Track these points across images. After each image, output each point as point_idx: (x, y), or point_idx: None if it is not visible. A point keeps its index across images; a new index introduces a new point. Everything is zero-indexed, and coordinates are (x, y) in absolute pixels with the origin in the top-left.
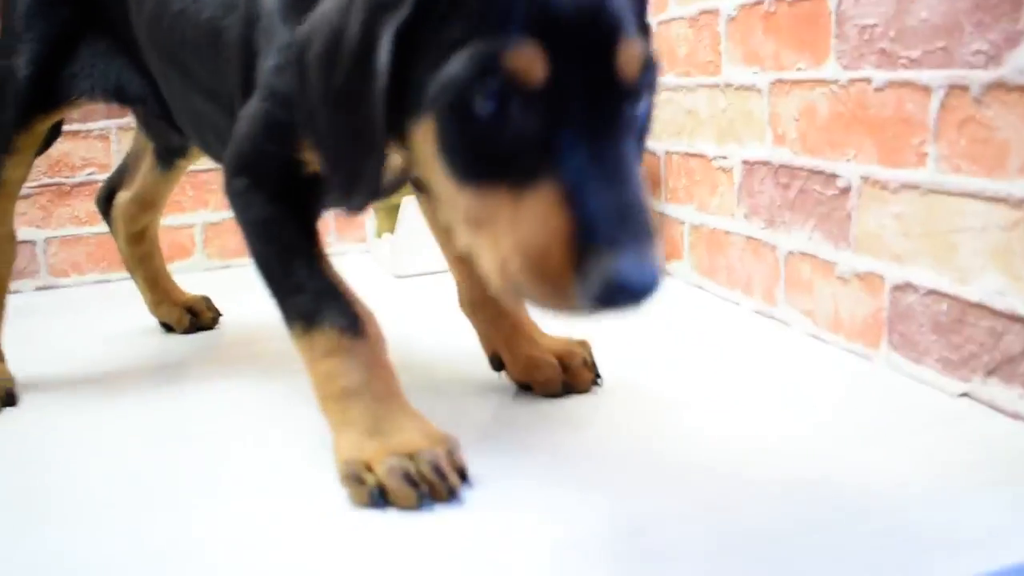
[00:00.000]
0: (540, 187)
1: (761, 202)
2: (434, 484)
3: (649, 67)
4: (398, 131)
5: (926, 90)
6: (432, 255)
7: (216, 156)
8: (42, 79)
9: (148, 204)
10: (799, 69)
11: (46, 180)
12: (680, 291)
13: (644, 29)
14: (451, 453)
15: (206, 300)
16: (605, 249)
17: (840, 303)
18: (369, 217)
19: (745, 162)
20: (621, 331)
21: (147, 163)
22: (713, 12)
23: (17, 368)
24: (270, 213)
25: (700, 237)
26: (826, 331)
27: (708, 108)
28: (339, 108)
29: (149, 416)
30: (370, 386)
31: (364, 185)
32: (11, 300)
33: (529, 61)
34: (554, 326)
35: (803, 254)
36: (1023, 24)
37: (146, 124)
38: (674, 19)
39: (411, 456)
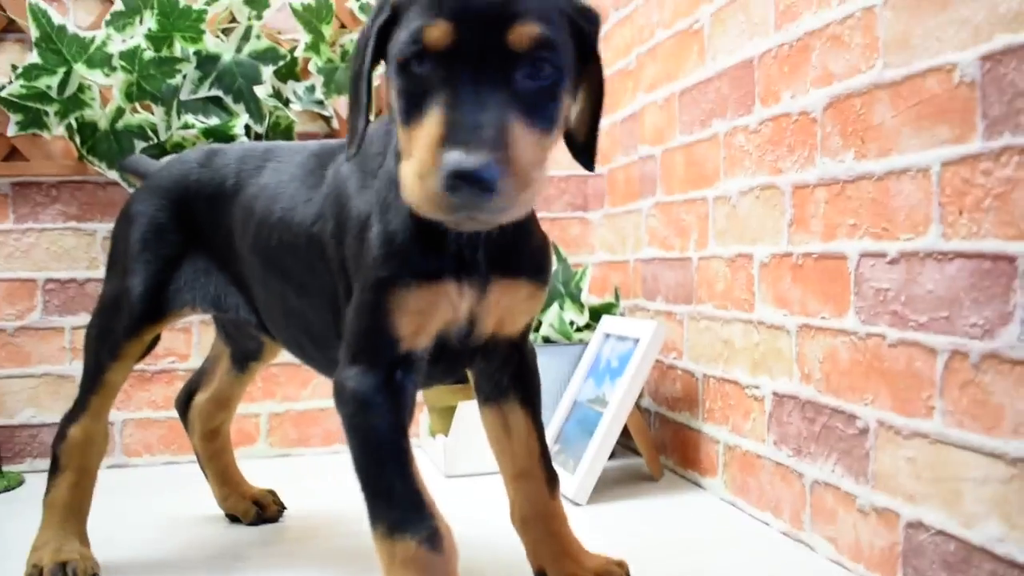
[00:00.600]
0: (431, 113)
1: (789, 432)
2: None
3: (544, 46)
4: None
5: (932, 351)
6: (482, 457)
7: (301, 351)
8: (152, 296)
9: (223, 404)
10: (823, 318)
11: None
12: (714, 507)
13: (580, 51)
14: None
15: (272, 494)
16: (448, 148)
17: (860, 533)
18: (424, 416)
19: (775, 393)
20: (655, 545)
21: (223, 366)
22: (748, 256)
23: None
24: (376, 413)
25: (734, 457)
26: (847, 559)
27: (742, 340)
28: (352, 85)
29: None
30: None
31: (355, 134)
32: None
33: (439, 33)
34: (593, 548)
35: (827, 484)
36: (1012, 306)
37: (225, 332)
38: (714, 256)
39: None
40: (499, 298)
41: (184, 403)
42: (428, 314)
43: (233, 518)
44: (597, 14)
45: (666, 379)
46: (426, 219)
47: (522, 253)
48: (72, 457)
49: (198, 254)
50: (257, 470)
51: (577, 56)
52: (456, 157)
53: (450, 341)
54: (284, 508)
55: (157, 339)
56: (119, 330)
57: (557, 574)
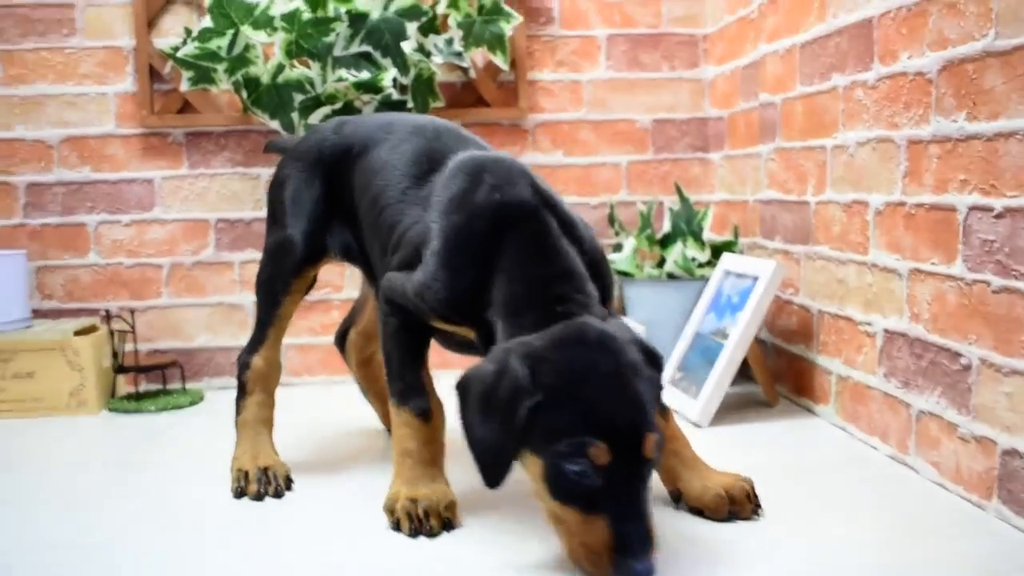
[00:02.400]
0: (598, 516)
1: (898, 365)
2: (421, 523)
3: (660, 445)
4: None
5: None
6: None
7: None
8: (309, 239)
9: (373, 336)
10: (933, 263)
11: None
12: (825, 431)
13: (662, 407)
14: (444, 507)
15: None
16: (628, 557)
17: (961, 459)
18: None
19: (886, 330)
20: (772, 465)
21: (370, 305)
22: (863, 203)
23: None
24: (400, 329)
25: (846, 387)
26: (948, 481)
27: (856, 280)
28: (486, 431)
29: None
30: (420, 453)
31: (494, 475)
32: None
33: (602, 456)
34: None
35: (931, 414)
36: None
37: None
38: (830, 202)
39: (415, 501)
40: None
41: (341, 338)
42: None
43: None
44: (659, 356)
45: (783, 314)
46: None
47: None
48: (256, 382)
49: (334, 209)
50: None
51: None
52: (633, 568)
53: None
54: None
55: (315, 279)
56: (287, 270)
57: (689, 489)
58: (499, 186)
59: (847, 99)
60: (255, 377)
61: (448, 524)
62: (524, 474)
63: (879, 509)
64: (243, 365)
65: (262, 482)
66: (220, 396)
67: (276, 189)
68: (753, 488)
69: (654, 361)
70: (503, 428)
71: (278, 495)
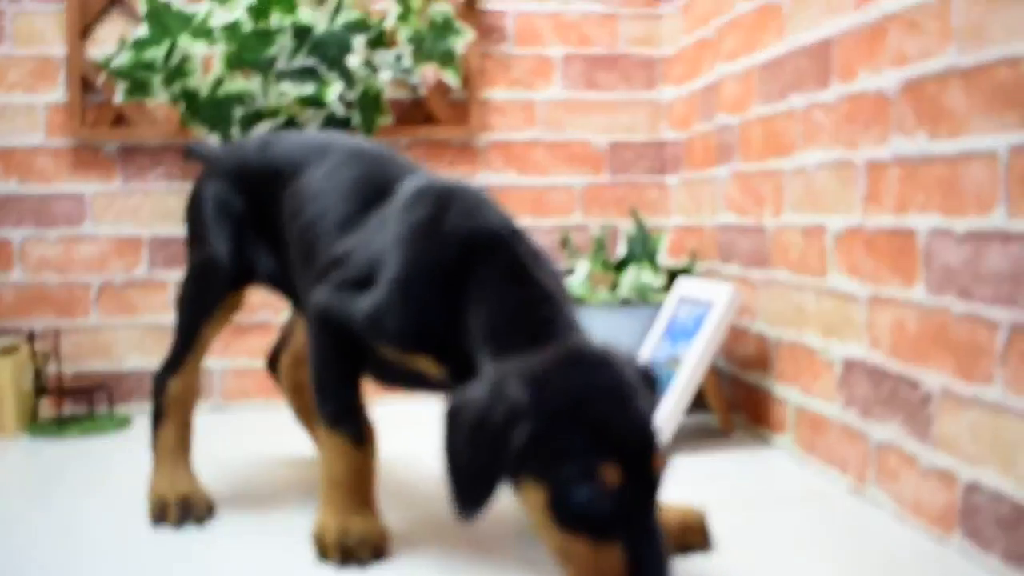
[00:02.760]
0: (611, 543)
1: (857, 394)
2: (351, 552)
3: (667, 464)
4: (510, 480)
5: (995, 324)
6: None
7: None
8: (234, 260)
9: (305, 360)
10: (893, 288)
11: None
12: (782, 463)
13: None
14: (376, 539)
15: None
16: None
17: (921, 492)
18: None
19: (845, 358)
20: (732, 497)
21: (300, 328)
22: (822, 227)
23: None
24: (334, 347)
25: (803, 417)
26: (909, 515)
27: (815, 306)
28: (475, 458)
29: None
30: (351, 481)
31: (472, 503)
32: None
33: (614, 475)
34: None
35: (891, 445)
36: None
37: (297, 309)
38: (789, 225)
39: (346, 533)
40: None
41: (272, 362)
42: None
43: None
44: (655, 377)
45: (739, 341)
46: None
47: None
48: (173, 406)
49: (257, 232)
50: None
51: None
52: None
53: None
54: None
55: (241, 301)
56: (212, 293)
57: None
58: (468, 214)
59: (805, 120)
60: (171, 401)
61: (378, 554)
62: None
63: (837, 544)
64: (159, 387)
65: (182, 510)
66: (149, 421)
67: (194, 207)
68: (705, 521)
69: (651, 381)
70: (494, 453)
71: (199, 522)
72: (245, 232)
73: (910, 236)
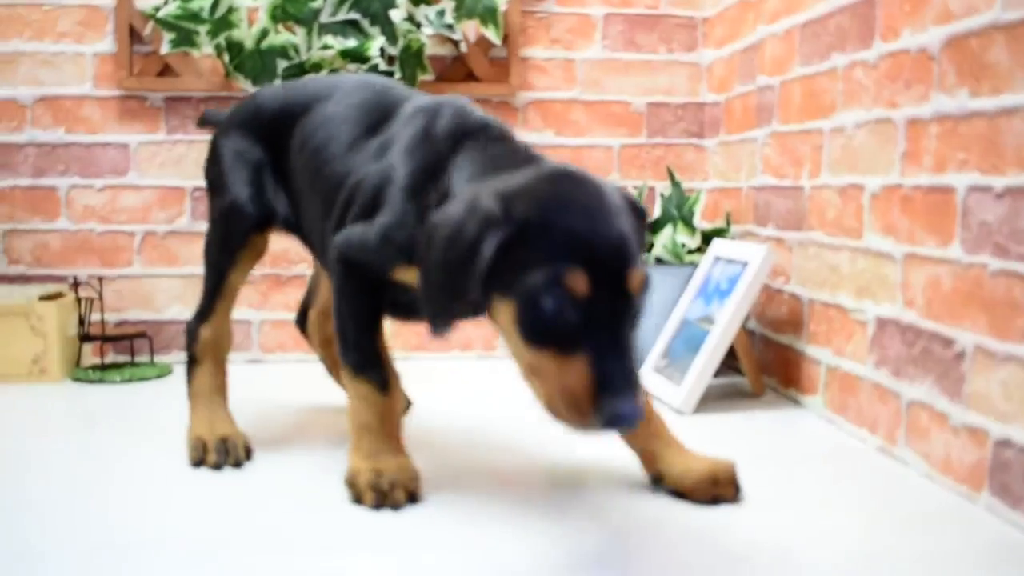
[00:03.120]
0: (577, 355)
1: (889, 354)
2: (386, 495)
3: (648, 284)
4: (483, 298)
5: None
6: None
7: (317, 253)
8: (255, 202)
9: (330, 315)
10: (928, 247)
11: (267, 270)
12: (812, 423)
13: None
14: (409, 480)
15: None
16: (609, 396)
17: (951, 450)
18: None
19: (878, 318)
20: (757, 456)
21: (325, 283)
22: (859, 186)
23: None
24: (356, 295)
25: (835, 377)
26: (938, 473)
27: (849, 266)
28: (448, 272)
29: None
30: (378, 426)
31: (445, 318)
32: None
33: (581, 285)
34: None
35: (922, 404)
36: None
37: (318, 261)
38: (826, 186)
39: (379, 474)
40: None
41: (302, 318)
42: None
43: None
44: (644, 209)
45: (772, 302)
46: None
47: None
48: (206, 352)
49: (275, 177)
50: None
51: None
52: (617, 408)
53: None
54: (411, 403)
55: (265, 247)
56: (237, 236)
57: (670, 471)
58: (456, 116)
59: (846, 79)
60: (204, 347)
61: (412, 497)
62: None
63: (865, 501)
64: (192, 335)
65: (220, 452)
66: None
67: (213, 160)
68: (735, 472)
69: (636, 208)
70: (464, 264)
71: (237, 464)
72: (263, 177)
73: (948, 194)
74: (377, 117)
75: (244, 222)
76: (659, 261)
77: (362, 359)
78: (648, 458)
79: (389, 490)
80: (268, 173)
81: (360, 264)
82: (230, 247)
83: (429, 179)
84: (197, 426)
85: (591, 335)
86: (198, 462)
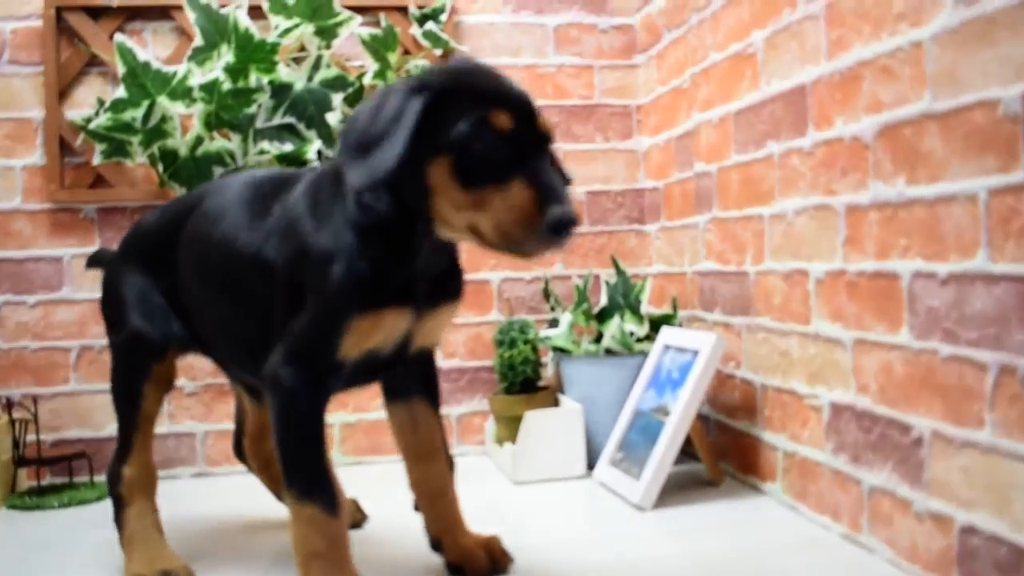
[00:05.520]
0: (515, 181)
1: (847, 440)
2: None
3: (551, 129)
4: (412, 170)
5: (983, 367)
6: (548, 464)
7: (231, 357)
8: (157, 327)
9: (263, 434)
10: (878, 333)
11: (210, 380)
12: (773, 511)
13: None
14: None
15: (355, 503)
16: (553, 204)
17: (917, 537)
18: (490, 424)
19: (833, 404)
20: (728, 548)
21: (247, 402)
22: (804, 272)
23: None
24: (301, 415)
25: (793, 463)
26: (905, 561)
27: (800, 352)
28: (374, 139)
29: None
30: (329, 553)
31: (371, 185)
32: (171, 485)
33: (505, 120)
34: (660, 553)
35: (884, 490)
36: None
37: (230, 376)
38: (771, 271)
39: None
40: (431, 320)
41: (237, 446)
42: (368, 337)
43: None
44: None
45: (725, 388)
46: (378, 262)
47: (451, 282)
48: (134, 493)
49: (167, 297)
50: None
51: None
52: (561, 212)
53: (380, 356)
54: (366, 517)
55: (174, 372)
56: (140, 367)
57: (452, 543)
58: (335, 167)
59: (783, 166)
60: (130, 487)
61: None
62: None
63: None
64: (114, 477)
65: None
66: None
67: (106, 297)
68: (501, 546)
69: None
70: (394, 133)
71: None
72: (154, 303)
73: (893, 280)
74: (271, 194)
75: (146, 352)
76: (609, 352)
77: (308, 482)
78: (437, 525)
79: None
80: (158, 297)
81: (308, 364)
82: (137, 378)
83: (332, 186)
84: (134, 566)
85: (522, 163)
86: None
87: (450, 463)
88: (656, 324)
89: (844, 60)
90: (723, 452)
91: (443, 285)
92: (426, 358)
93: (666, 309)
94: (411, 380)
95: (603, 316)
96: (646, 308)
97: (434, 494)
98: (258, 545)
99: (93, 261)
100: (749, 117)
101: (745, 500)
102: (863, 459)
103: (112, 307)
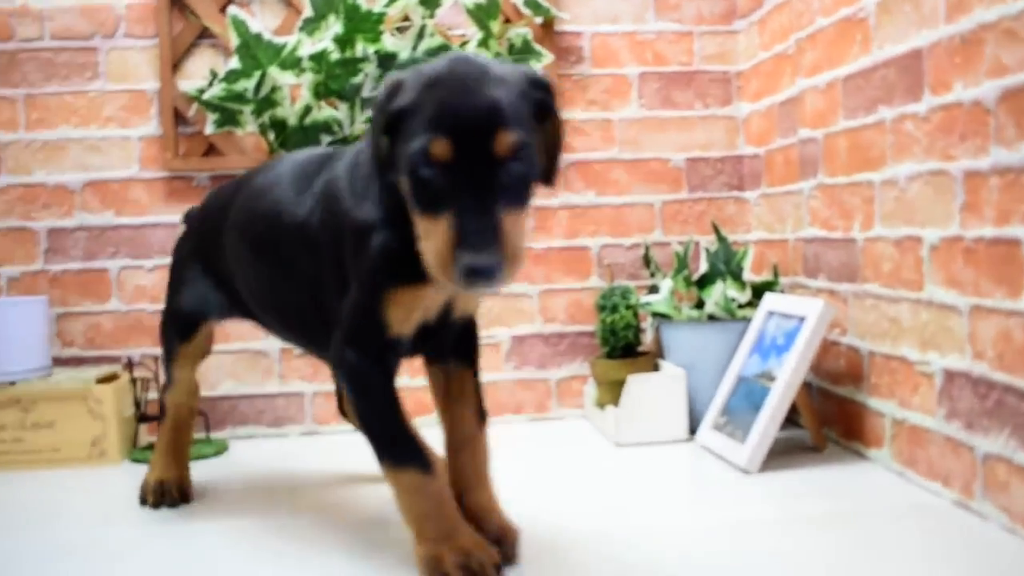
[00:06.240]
0: (443, 217)
1: (960, 407)
2: (479, 574)
3: (519, 147)
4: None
5: None
6: (651, 426)
7: (283, 328)
8: (186, 313)
9: None
10: (996, 299)
11: None
12: (881, 477)
13: (540, 115)
14: (493, 556)
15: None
16: (465, 251)
17: None
18: (589, 388)
19: (946, 370)
20: (827, 513)
21: None
22: (917, 238)
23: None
24: (372, 380)
25: (901, 430)
26: (1021, 527)
27: (911, 319)
28: (371, 157)
29: None
30: (438, 510)
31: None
32: (280, 443)
33: (441, 149)
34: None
35: (999, 457)
36: None
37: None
38: (880, 238)
39: (467, 554)
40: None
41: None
42: (413, 309)
43: None
44: (546, 81)
45: (829, 355)
46: (409, 238)
47: None
48: (170, 413)
49: (213, 269)
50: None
51: (538, 115)
52: (469, 260)
53: (429, 326)
54: None
55: (206, 344)
56: (173, 340)
57: (470, 503)
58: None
59: (896, 132)
60: (170, 409)
61: (499, 569)
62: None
63: (945, 559)
64: (162, 398)
65: (159, 493)
66: (244, 445)
67: (172, 260)
68: (517, 537)
69: (539, 85)
70: (374, 144)
71: (172, 505)
72: (198, 278)
73: (1013, 246)
74: (314, 171)
75: (179, 328)
76: (711, 317)
77: (397, 451)
78: (458, 480)
79: (480, 570)
80: (201, 274)
81: (366, 343)
82: (172, 347)
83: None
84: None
85: (455, 197)
86: (143, 501)
87: (482, 414)
88: (757, 291)
89: (964, 23)
90: (826, 418)
91: None
92: (468, 323)
93: (765, 276)
94: (454, 343)
95: (703, 282)
96: (747, 275)
97: (461, 443)
98: (362, 500)
99: (184, 218)
100: (859, 82)
101: (850, 465)
102: (977, 425)
103: (171, 273)
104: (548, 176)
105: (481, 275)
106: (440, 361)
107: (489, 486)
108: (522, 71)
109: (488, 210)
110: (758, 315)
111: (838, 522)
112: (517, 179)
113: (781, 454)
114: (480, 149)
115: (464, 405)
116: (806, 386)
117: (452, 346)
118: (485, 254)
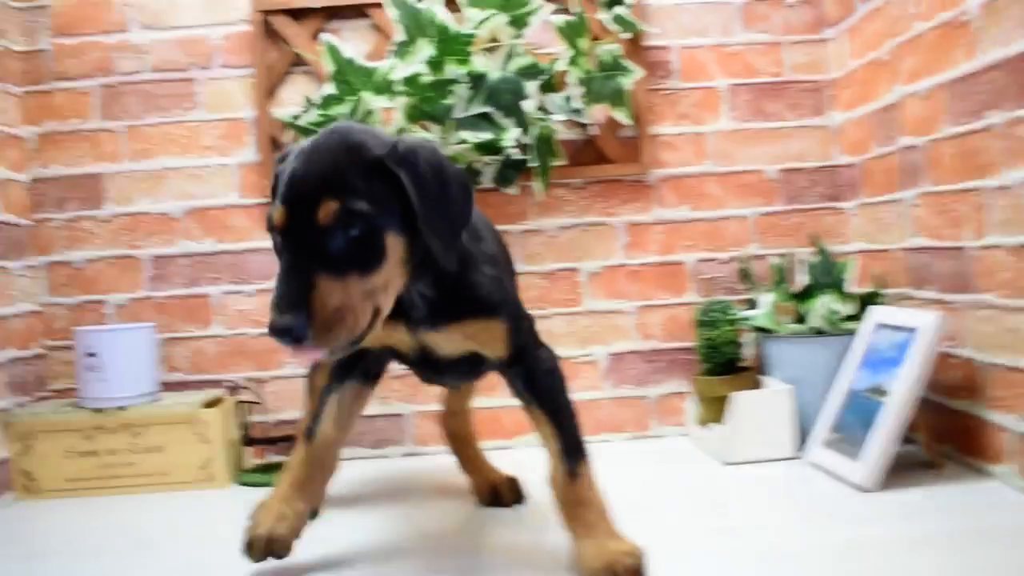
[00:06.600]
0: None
1: None
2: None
3: (344, 215)
4: None
5: None
6: (759, 444)
7: None
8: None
9: (454, 412)
10: None
11: None
12: (1006, 494)
13: (376, 176)
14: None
15: (511, 482)
16: (272, 311)
17: None
18: (689, 405)
19: None
20: (954, 525)
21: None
22: None
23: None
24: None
25: None
26: None
27: None
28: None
29: None
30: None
31: None
32: (381, 464)
33: (278, 216)
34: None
35: None
36: None
37: None
38: (995, 246)
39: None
40: (438, 336)
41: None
42: (378, 340)
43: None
44: (406, 149)
45: (942, 367)
46: None
47: (455, 306)
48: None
49: None
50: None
51: (394, 184)
52: (271, 319)
53: (412, 357)
54: (522, 498)
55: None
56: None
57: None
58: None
59: (1008, 136)
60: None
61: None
62: None
63: None
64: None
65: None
66: (351, 465)
67: None
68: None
69: (398, 157)
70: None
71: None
72: None
73: None
74: None
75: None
76: (816, 332)
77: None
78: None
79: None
80: None
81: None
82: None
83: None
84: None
85: (283, 261)
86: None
87: (571, 456)
88: (862, 303)
89: None
90: (940, 433)
91: (444, 308)
92: (521, 364)
93: (868, 287)
94: (519, 384)
95: (804, 295)
96: (850, 287)
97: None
98: (464, 521)
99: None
100: (964, 88)
101: (970, 482)
102: None
103: None
104: (444, 240)
105: (284, 334)
106: (518, 396)
107: (607, 520)
108: (391, 142)
109: (300, 275)
110: (865, 328)
111: (963, 542)
112: (344, 245)
113: (896, 471)
114: (304, 217)
115: (548, 448)
116: (919, 400)
117: (519, 384)
118: (287, 315)
